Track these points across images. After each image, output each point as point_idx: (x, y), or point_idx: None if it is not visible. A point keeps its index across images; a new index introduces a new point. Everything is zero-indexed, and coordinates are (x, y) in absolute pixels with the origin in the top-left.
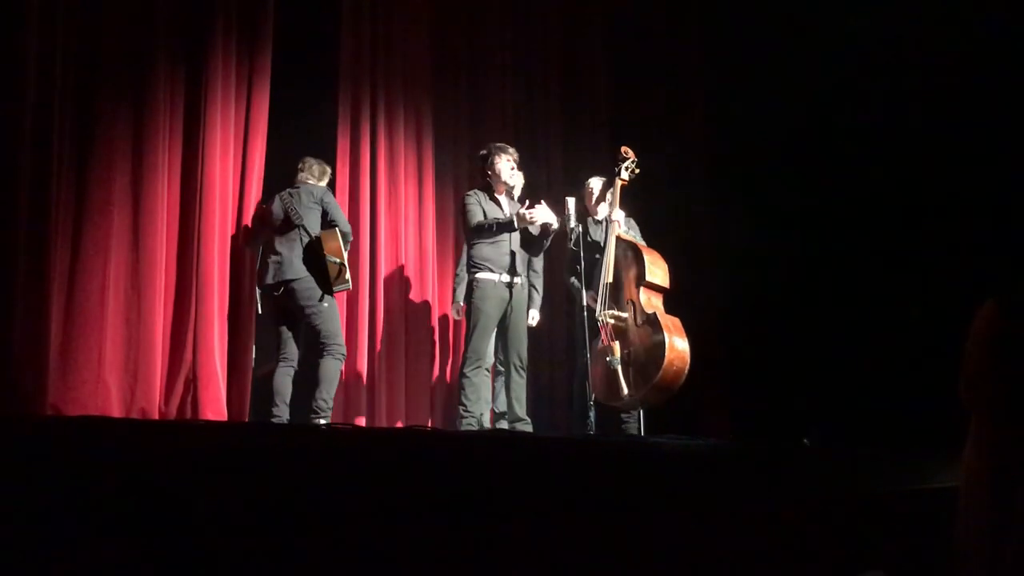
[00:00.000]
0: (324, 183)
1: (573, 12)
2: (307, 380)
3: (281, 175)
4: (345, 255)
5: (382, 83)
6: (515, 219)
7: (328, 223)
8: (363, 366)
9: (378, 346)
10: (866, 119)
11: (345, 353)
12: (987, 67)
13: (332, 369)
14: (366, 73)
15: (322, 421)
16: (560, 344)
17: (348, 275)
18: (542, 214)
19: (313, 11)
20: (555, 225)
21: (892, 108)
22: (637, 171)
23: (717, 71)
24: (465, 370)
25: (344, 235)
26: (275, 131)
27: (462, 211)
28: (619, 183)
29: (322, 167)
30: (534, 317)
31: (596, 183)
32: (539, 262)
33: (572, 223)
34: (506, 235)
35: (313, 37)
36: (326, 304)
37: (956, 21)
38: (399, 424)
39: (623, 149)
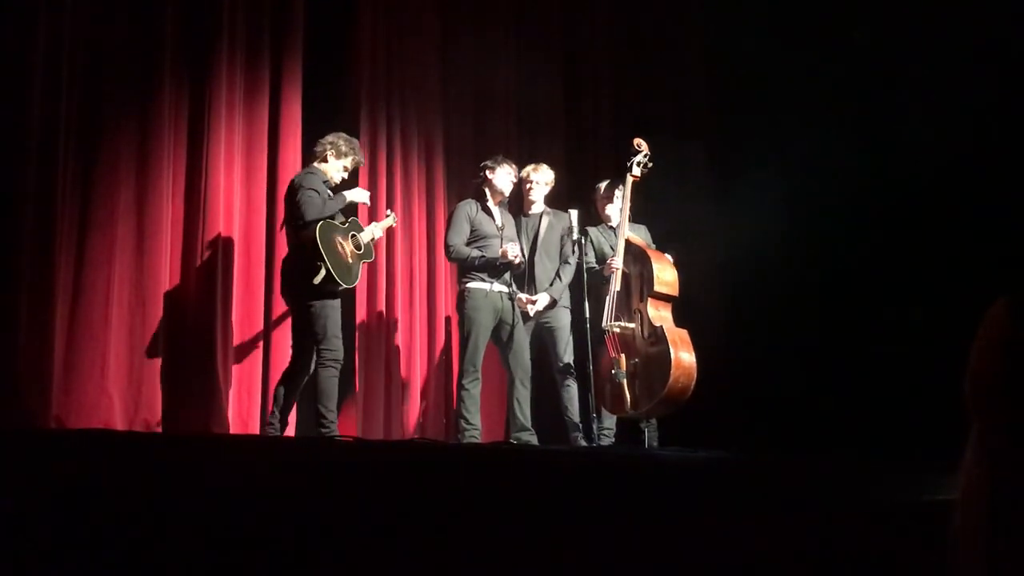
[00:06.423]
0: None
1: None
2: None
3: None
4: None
5: (396, 100)
6: (499, 257)
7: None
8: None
9: (393, 359)
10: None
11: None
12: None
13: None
14: (378, 91)
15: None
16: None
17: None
18: (514, 250)
19: (319, 27)
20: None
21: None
22: (650, 165)
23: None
24: (464, 382)
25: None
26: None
27: (448, 220)
28: (630, 179)
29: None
30: (543, 300)
31: (606, 185)
32: (569, 250)
33: (575, 235)
34: (496, 243)
35: (320, 53)
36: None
37: None
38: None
39: (635, 141)
